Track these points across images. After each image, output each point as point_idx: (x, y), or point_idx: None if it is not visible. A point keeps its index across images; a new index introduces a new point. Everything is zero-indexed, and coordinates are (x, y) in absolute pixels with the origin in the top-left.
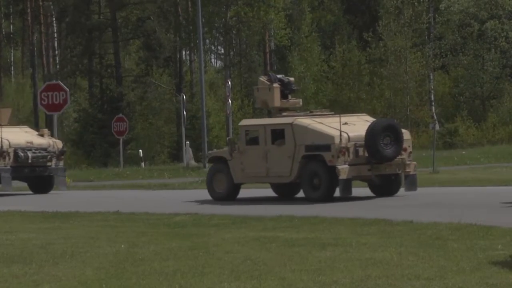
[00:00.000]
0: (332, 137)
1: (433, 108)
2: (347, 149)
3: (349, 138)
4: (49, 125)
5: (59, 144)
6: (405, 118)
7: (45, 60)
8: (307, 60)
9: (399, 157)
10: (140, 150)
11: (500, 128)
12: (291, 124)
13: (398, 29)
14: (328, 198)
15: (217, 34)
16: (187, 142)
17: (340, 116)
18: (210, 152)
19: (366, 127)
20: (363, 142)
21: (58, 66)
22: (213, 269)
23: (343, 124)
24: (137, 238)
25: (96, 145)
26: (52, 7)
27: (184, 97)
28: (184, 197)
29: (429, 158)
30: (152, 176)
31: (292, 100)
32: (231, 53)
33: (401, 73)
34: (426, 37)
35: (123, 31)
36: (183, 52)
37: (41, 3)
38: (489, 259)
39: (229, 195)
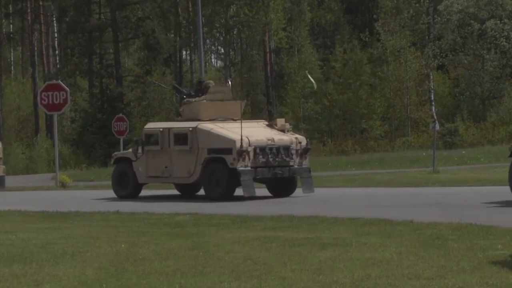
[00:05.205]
0: None
1: (433, 108)
2: None
3: None
4: (49, 125)
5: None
6: (405, 118)
7: (45, 60)
8: (301, 59)
9: None
10: None
11: (500, 127)
12: None
13: (397, 29)
14: None
15: (217, 34)
16: None
17: None
18: None
19: None
20: None
21: (58, 66)
22: (213, 269)
23: None
24: (137, 238)
25: (96, 145)
26: (52, 7)
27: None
28: (184, 196)
29: (429, 158)
30: None
31: None
32: (231, 53)
33: (401, 73)
34: (426, 37)
35: (123, 31)
36: (183, 52)
37: (41, 3)
38: (489, 259)
39: None
